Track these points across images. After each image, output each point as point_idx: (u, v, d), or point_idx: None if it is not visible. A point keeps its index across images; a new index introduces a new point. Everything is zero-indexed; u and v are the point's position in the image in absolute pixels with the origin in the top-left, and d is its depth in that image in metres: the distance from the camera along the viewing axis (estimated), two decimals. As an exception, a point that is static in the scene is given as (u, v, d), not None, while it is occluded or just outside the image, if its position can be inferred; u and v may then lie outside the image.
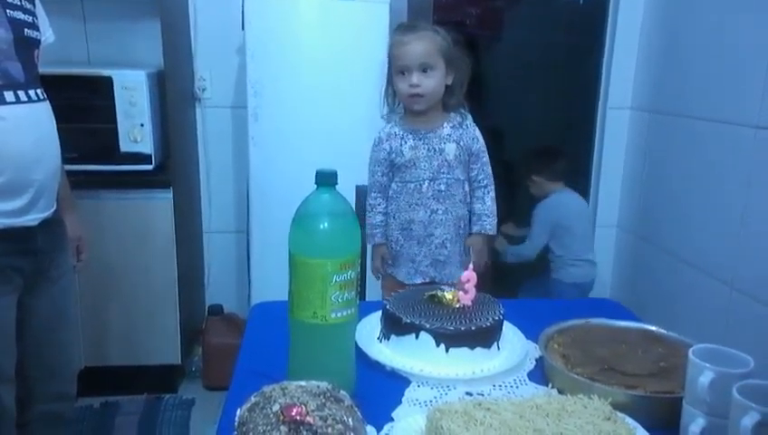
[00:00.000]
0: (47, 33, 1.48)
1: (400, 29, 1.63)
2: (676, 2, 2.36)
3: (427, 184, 1.63)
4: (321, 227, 0.87)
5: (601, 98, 2.78)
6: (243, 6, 2.18)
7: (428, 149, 1.62)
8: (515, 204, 2.74)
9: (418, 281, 1.70)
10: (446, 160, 1.63)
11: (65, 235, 1.54)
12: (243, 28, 2.21)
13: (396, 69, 1.58)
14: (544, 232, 2.50)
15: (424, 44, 1.55)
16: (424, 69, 1.56)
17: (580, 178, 2.79)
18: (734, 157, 1.96)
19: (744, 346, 0.85)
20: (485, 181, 1.70)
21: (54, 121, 1.42)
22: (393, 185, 1.68)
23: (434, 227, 1.66)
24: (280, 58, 2.22)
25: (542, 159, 2.57)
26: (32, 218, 1.35)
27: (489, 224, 1.70)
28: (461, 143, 1.65)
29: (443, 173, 1.64)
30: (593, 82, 2.81)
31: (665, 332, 1.09)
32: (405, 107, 1.66)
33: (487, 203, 1.69)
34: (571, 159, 2.67)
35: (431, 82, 1.57)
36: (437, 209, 1.65)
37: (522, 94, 3.08)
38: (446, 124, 1.65)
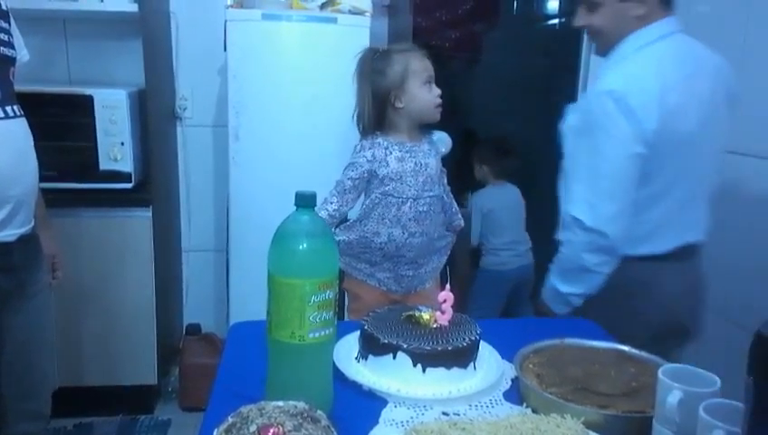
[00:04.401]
0: (22, 52, 1.49)
1: (404, 46, 1.69)
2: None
3: (409, 204, 1.62)
4: (300, 247, 0.89)
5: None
6: (225, 28, 2.20)
7: (415, 163, 1.63)
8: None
9: (373, 284, 1.71)
10: (430, 176, 1.65)
11: (41, 251, 1.53)
12: (225, 49, 2.23)
13: (421, 80, 1.61)
14: (477, 219, 2.69)
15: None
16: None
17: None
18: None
19: (713, 365, 0.87)
20: (448, 188, 1.78)
21: (31, 138, 1.43)
22: (372, 196, 1.64)
23: (407, 249, 1.66)
24: (261, 79, 2.24)
25: (494, 152, 2.71)
26: (9, 234, 1.35)
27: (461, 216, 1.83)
28: (437, 157, 1.69)
29: (426, 191, 1.64)
30: (570, 103, 2.87)
31: (636, 351, 1.12)
32: (395, 121, 1.64)
33: (455, 203, 1.81)
34: (525, 159, 2.83)
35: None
36: (415, 232, 1.64)
37: (500, 115, 3.14)
38: (423, 139, 1.69)
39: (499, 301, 2.76)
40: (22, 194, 1.36)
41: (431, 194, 1.65)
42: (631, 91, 1.33)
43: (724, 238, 1.90)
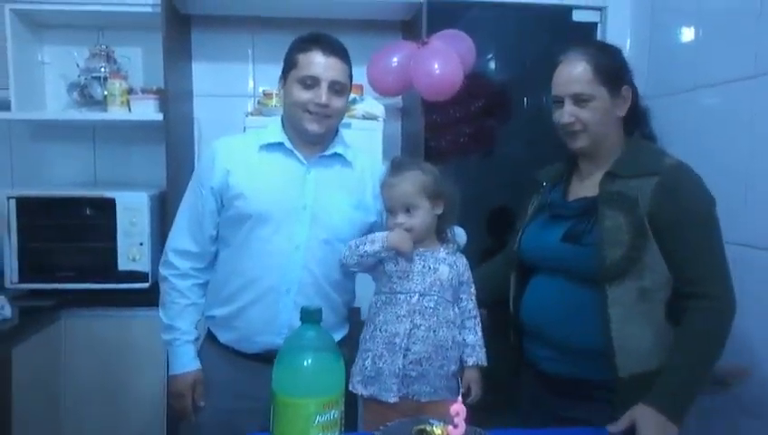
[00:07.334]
0: None
1: (390, 169, 1.68)
2: (656, 119, 2.48)
3: (417, 297, 1.58)
4: (304, 364, 0.87)
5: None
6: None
7: (423, 265, 1.62)
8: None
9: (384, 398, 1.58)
10: (439, 280, 1.61)
11: None
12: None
13: (386, 207, 1.65)
14: None
15: (406, 187, 1.61)
16: (407, 209, 1.62)
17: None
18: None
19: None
20: (475, 312, 1.68)
21: None
22: (382, 296, 1.62)
23: (411, 341, 1.57)
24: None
25: None
26: None
27: (484, 355, 1.65)
28: (454, 268, 1.66)
29: (434, 290, 1.60)
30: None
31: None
32: None
33: (479, 334, 1.67)
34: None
35: (415, 221, 1.62)
36: (420, 325, 1.58)
37: (515, 208, 3.16)
38: (441, 249, 1.67)
39: None
40: None
41: (440, 295, 1.61)
42: None
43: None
